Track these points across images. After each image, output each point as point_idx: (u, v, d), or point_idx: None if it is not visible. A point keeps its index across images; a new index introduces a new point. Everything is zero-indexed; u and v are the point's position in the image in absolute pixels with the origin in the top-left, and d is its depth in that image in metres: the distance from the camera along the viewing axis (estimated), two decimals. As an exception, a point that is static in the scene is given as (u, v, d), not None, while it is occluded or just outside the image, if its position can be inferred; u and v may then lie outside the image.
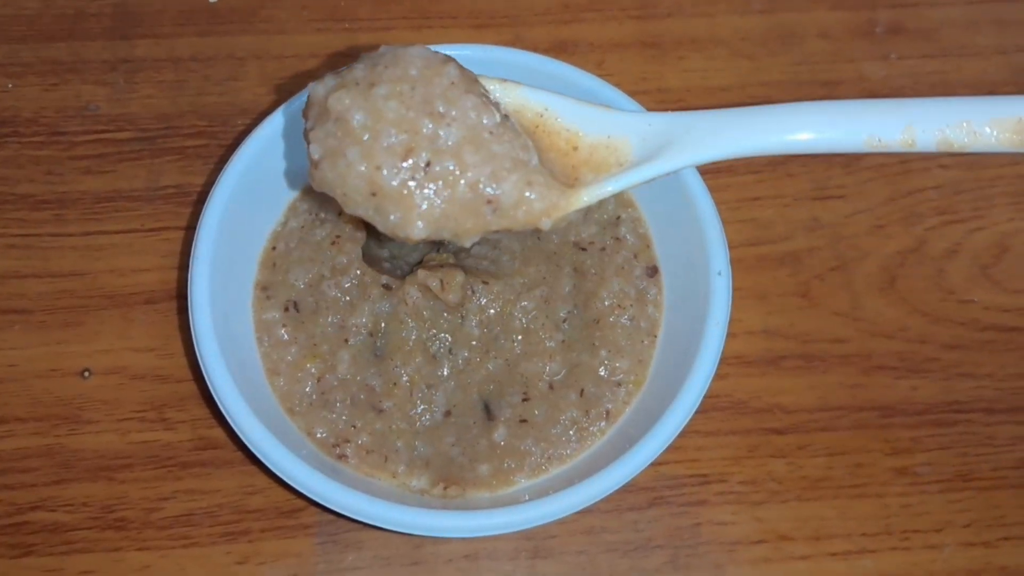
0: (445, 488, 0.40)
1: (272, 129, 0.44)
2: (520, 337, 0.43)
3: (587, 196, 0.33)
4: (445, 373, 0.43)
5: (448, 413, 0.43)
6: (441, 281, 0.42)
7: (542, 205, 0.33)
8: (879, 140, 0.29)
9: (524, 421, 0.42)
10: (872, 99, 0.31)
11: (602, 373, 0.43)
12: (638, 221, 0.46)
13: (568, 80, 0.45)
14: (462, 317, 0.43)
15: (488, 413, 0.42)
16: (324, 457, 0.41)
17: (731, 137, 0.31)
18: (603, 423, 0.42)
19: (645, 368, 0.43)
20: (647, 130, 0.34)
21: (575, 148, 0.35)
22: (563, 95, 0.36)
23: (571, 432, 0.42)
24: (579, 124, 0.34)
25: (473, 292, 0.43)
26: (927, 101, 0.30)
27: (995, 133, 0.29)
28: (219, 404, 0.38)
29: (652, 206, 0.45)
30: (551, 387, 0.43)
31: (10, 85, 0.53)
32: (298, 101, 0.44)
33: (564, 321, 0.44)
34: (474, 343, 0.43)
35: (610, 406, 0.42)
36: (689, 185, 0.43)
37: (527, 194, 0.34)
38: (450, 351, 0.43)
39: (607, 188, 0.33)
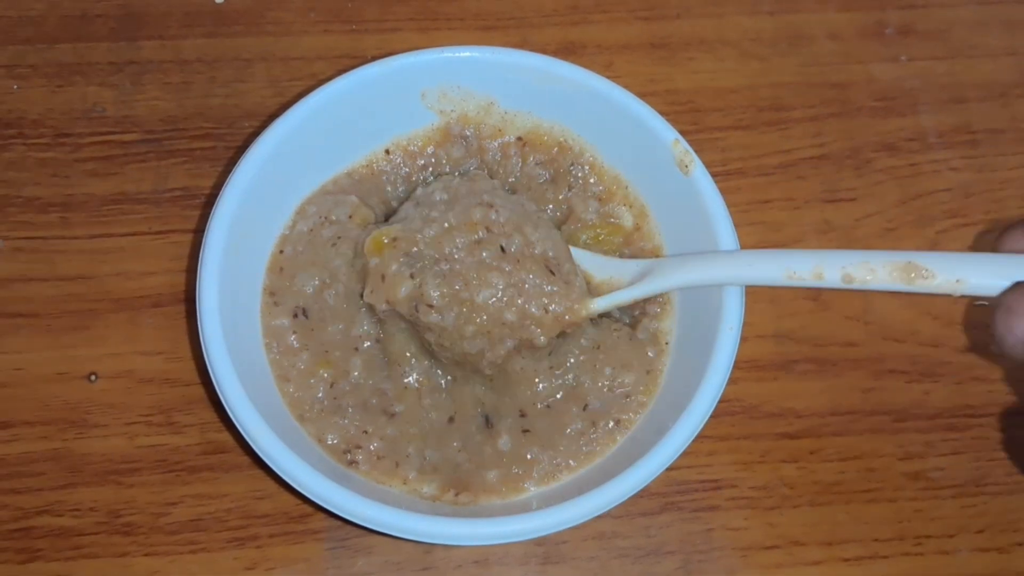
0: (456, 495, 0.40)
1: (280, 132, 0.43)
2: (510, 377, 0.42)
3: (595, 306, 0.41)
4: (443, 384, 0.43)
5: (451, 419, 0.42)
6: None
7: (561, 309, 0.40)
8: (795, 272, 0.38)
9: (527, 431, 0.41)
10: (797, 249, 0.39)
11: (605, 389, 0.42)
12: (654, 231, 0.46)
13: (577, 82, 0.45)
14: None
15: (488, 422, 0.42)
16: (334, 463, 0.40)
17: (683, 274, 0.41)
18: (614, 432, 0.41)
19: (655, 378, 0.43)
20: (635, 270, 0.43)
21: (588, 283, 0.43)
22: (580, 250, 0.44)
23: (580, 442, 0.41)
24: (591, 269, 0.43)
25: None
26: (836, 252, 0.38)
27: (888, 272, 0.36)
28: (229, 411, 0.38)
29: (665, 213, 0.45)
30: (549, 407, 0.42)
31: (15, 87, 0.53)
32: (306, 104, 0.44)
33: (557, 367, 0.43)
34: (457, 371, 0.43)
35: (620, 416, 0.42)
36: (701, 189, 0.42)
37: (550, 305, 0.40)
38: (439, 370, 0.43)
39: (603, 303, 0.41)
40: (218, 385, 0.38)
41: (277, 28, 0.56)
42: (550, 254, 0.41)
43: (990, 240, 0.51)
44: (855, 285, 0.37)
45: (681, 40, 0.56)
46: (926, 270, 0.35)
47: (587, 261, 0.43)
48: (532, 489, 0.40)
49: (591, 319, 0.42)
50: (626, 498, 0.37)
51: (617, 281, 0.43)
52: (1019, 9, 0.58)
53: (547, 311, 0.40)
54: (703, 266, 0.41)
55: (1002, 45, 0.57)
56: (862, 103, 0.54)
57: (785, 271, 0.38)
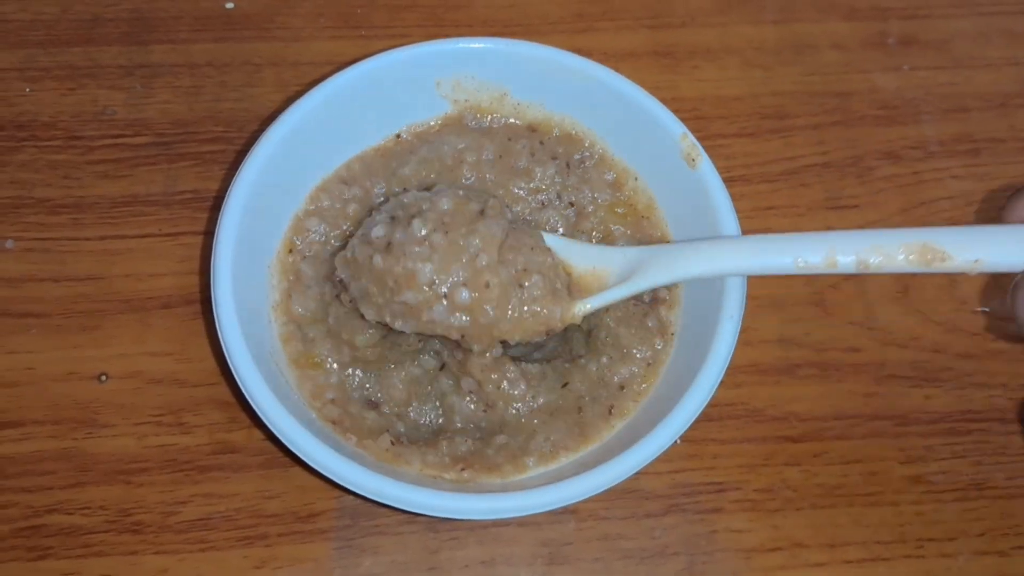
0: (462, 470, 0.40)
1: (283, 131, 0.44)
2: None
3: (579, 309, 0.39)
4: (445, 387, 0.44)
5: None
6: None
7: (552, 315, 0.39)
8: (805, 262, 0.36)
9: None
10: (804, 232, 0.37)
11: (604, 377, 0.43)
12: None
13: (588, 75, 0.46)
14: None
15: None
16: (348, 446, 0.41)
17: (683, 266, 0.38)
18: (614, 421, 0.42)
19: (656, 369, 0.43)
20: (622, 260, 0.40)
21: (568, 274, 0.40)
22: (554, 235, 0.42)
23: (576, 429, 0.42)
24: (571, 258, 0.41)
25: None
26: (849, 232, 0.36)
27: (904, 256, 0.34)
28: (250, 400, 0.38)
29: (672, 204, 0.46)
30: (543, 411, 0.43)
31: (28, 89, 0.54)
32: (308, 101, 0.44)
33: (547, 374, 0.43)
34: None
35: (614, 403, 0.42)
36: (707, 182, 0.43)
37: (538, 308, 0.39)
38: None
39: (590, 305, 0.39)
40: (240, 380, 0.39)
41: (287, 33, 0.56)
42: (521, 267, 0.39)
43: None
44: (870, 270, 0.35)
45: (686, 48, 0.57)
46: (943, 252, 0.34)
47: (567, 249, 0.41)
48: (531, 467, 0.41)
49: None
50: (650, 461, 0.38)
51: (602, 271, 0.40)
52: (1019, 20, 0.59)
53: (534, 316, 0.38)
54: (703, 256, 0.38)
55: (1003, 55, 0.57)
56: (864, 112, 0.55)
57: (795, 259, 0.36)
